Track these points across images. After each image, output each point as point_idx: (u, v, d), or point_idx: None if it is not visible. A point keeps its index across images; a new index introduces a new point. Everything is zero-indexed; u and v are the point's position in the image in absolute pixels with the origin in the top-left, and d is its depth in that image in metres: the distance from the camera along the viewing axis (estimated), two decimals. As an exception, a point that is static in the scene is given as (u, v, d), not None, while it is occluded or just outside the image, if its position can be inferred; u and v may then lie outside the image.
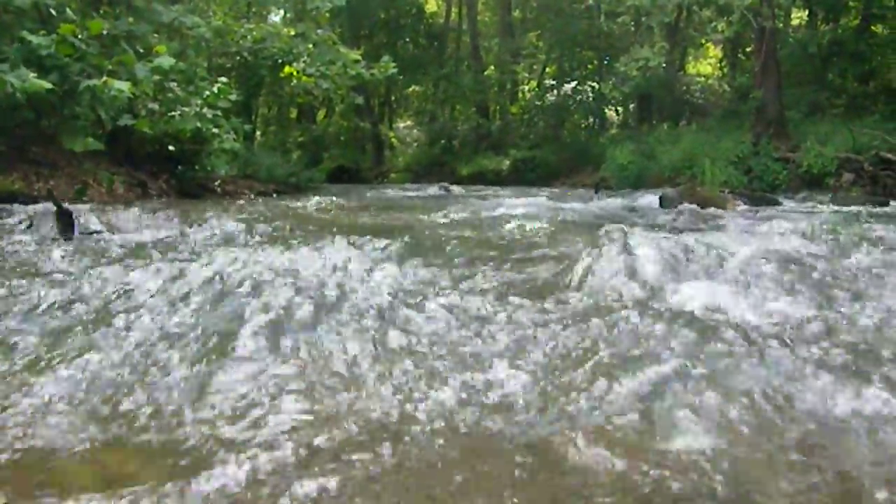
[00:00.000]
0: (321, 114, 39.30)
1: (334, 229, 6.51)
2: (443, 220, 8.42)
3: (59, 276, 3.85)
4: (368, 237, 5.16)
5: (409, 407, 2.21)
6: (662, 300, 3.38)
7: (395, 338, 2.88)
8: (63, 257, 4.47)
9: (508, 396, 2.30)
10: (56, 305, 3.26)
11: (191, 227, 6.19)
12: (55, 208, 5.77)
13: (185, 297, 3.35)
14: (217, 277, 3.64)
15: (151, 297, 3.34)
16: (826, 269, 3.86)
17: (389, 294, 3.47)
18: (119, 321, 3.01)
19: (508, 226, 7.22)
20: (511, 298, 3.48)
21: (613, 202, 13.06)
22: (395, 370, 2.54)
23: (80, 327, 2.98)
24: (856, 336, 2.87)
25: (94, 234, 5.53)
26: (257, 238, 5.70)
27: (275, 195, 15.53)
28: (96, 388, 2.36)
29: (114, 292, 3.41)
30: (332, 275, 3.85)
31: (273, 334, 2.84)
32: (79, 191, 10.70)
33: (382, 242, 5.01)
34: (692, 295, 3.35)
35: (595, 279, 3.75)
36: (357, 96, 23.03)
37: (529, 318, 3.17)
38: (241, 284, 3.51)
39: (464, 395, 2.30)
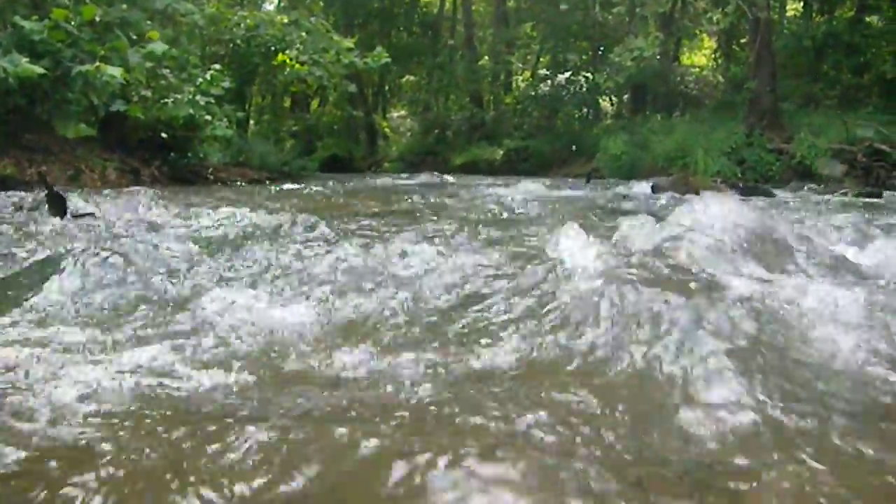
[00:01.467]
0: (315, 103, 39.23)
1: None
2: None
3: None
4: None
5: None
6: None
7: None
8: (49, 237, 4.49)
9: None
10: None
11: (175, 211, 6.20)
12: (47, 192, 5.76)
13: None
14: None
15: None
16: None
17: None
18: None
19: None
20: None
21: (607, 190, 13.12)
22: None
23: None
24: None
25: (85, 217, 5.53)
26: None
27: (267, 183, 15.52)
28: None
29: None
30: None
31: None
32: (71, 177, 10.68)
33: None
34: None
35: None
36: (350, 84, 23.00)
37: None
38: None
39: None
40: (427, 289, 3.29)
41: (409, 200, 10.10)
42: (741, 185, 13.56)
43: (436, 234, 5.19)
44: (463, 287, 3.31)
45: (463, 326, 2.80)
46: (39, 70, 9.78)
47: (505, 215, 7.75)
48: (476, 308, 3.00)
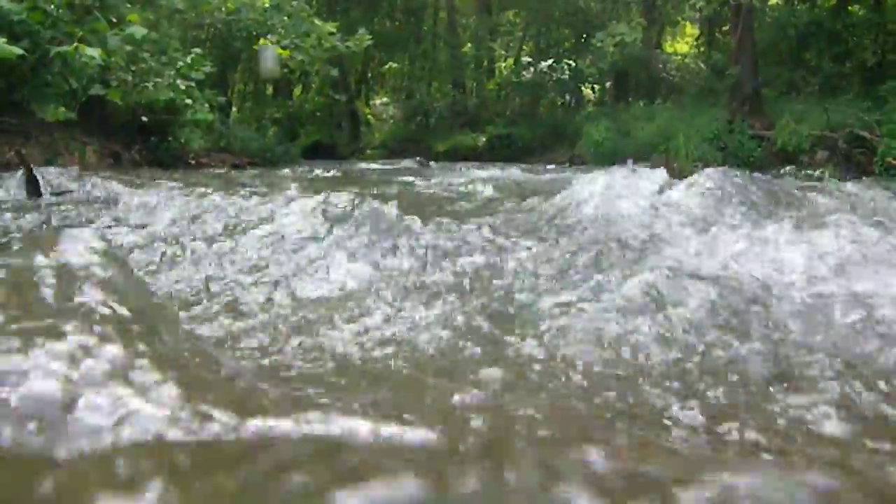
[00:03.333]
0: (298, 90, 39.01)
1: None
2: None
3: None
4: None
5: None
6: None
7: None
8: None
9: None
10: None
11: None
12: (24, 172, 5.71)
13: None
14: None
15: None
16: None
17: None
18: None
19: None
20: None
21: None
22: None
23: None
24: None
25: (62, 195, 5.49)
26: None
27: (248, 168, 15.45)
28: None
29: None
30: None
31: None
32: (50, 160, 10.57)
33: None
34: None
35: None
36: (332, 69, 22.79)
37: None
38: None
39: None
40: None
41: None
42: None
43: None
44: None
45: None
46: (18, 50, 9.60)
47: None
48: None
